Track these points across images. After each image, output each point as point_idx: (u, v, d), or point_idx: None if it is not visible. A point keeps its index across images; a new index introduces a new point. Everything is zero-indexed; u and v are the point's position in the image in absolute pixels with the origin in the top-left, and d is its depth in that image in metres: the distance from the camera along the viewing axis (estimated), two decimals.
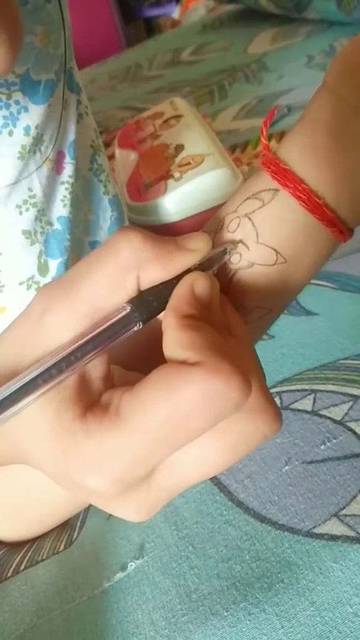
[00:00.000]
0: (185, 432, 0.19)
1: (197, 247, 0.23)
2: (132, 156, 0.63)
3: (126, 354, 0.25)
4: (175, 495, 0.21)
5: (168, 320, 0.21)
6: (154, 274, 0.22)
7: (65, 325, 0.21)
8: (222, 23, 1.24)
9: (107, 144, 0.81)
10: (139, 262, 0.22)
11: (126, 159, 0.64)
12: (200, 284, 0.23)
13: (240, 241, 0.26)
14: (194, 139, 0.59)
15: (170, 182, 0.54)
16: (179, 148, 0.58)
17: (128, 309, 0.22)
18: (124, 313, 0.22)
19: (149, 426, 0.19)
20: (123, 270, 0.22)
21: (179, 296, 0.22)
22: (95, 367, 0.22)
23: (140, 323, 0.22)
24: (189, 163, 0.55)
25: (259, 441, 0.21)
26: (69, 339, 0.21)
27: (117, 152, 0.68)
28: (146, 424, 0.19)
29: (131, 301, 0.22)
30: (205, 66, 1.04)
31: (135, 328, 0.22)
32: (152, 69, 1.15)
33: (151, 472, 0.20)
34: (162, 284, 0.23)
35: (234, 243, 0.26)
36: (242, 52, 1.03)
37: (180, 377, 0.19)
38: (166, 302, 0.22)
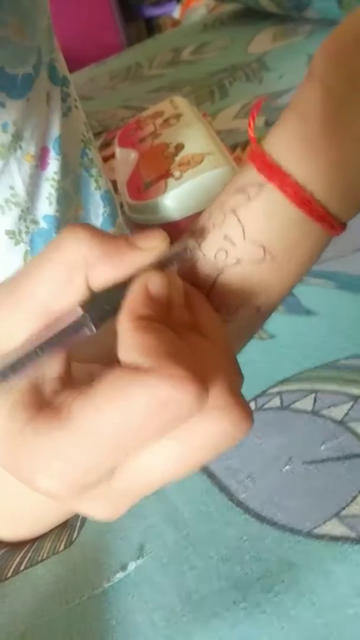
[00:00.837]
0: (139, 439, 0.18)
1: (150, 245, 0.22)
2: (133, 155, 0.63)
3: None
4: (143, 496, 0.21)
5: (122, 321, 0.20)
6: (103, 273, 0.22)
7: (13, 326, 0.21)
8: (223, 22, 1.24)
9: (108, 143, 0.81)
10: (87, 260, 0.21)
11: (126, 158, 0.64)
12: (154, 283, 0.22)
13: (200, 234, 0.25)
14: (194, 138, 0.59)
15: (171, 181, 0.54)
16: (179, 147, 0.58)
17: (80, 313, 0.21)
18: (75, 317, 0.21)
19: (100, 432, 0.18)
20: (70, 268, 0.21)
21: (133, 296, 0.22)
22: (50, 368, 0.21)
23: (93, 328, 0.21)
24: (189, 162, 0.55)
25: (227, 442, 0.20)
26: (20, 343, 0.21)
27: (118, 151, 0.67)
28: (97, 429, 0.18)
29: (83, 305, 0.22)
30: (206, 65, 1.04)
31: (88, 333, 0.21)
32: (152, 68, 1.15)
33: (110, 473, 0.20)
34: (116, 285, 0.22)
35: (196, 239, 0.25)
36: (243, 51, 1.03)
37: (132, 383, 0.18)
38: (121, 304, 0.21)
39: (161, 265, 0.23)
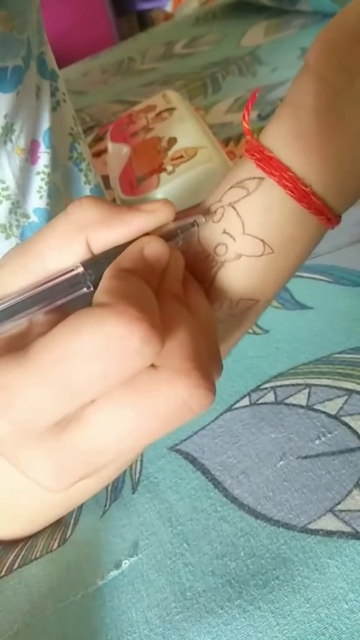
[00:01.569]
0: (86, 377, 0.18)
1: (152, 208, 0.23)
2: (125, 150, 0.62)
3: None
4: (93, 464, 0.20)
5: (106, 271, 0.21)
6: (103, 234, 0.22)
7: (13, 281, 0.22)
8: (215, 16, 1.23)
9: (100, 138, 0.81)
10: (88, 222, 0.22)
11: (118, 152, 0.63)
12: (152, 246, 0.22)
13: (210, 214, 0.25)
14: (187, 132, 0.59)
15: (163, 175, 0.53)
16: (172, 141, 0.58)
17: (79, 269, 0.22)
18: (73, 273, 0.22)
19: (47, 365, 0.18)
20: (72, 230, 0.22)
21: (125, 253, 0.22)
22: (39, 326, 0.21)
23: (91, 285, 0.21)
24: (181, 156, 0.54)
25: (182, 413, 0.19)
26: (13, 292, 0.21)
27: (110, 145, 0.67)
28: (43, 361, 0.18)
29: (83, 263, 0.22)
30: (199, 59, 1.04)
31: (85, 290, 0.22)
32: (144, 62, 1.14)
33: (61, 425, 0.19)
34: (116, 247, 0.22)
35: (205, 216, 0.25)
36: (236, 44, 1.02)
37: (85, 317, 0.18)
38: None
39: (166, 236, 0.24)
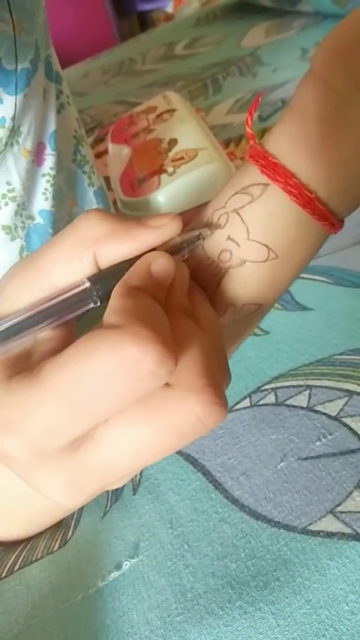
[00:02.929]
0: (101, 398, 0.18)
1: (160, 223, 0.23)
2: (125, 151, 0.62)
3: None
4: (108, 479, 0.20)
5: (114, 289, 0.21)
6: (111, 249, 0.22)
7: (20, 296, 0.22)
8: (216, 16, 1.23)
9: (101, 139, 0.81)
10: (96, 236, 0.22)
11: (119, 153, 0.63)
12: (159, 262, 0.22)
13: (215, 226, 0.25)
14: (188, 133, 0.59)
15: (164, 176, 0.53)
16: (173, 142, 0.58)
17: (86, 284, 0.22)
18: (80, 288, 0.22)
19: (62, 386, 0.18)
20: (80, 245, 0.22)
21: (133, 270, 0.22)
22: (48, 336, 0.21)
23: (98, 300, 0.21)
24: (182, 157, 0.54)
25: (194, 426, 0.19)
26: (20, 309, 0.21)
27: (110, 147, 0.67)
28: (59, 383, 0.18)
29: (90, 278, 0.22)
30: (199, 60, 1.04)
31: (92, 305, 0.22)
32: (145, 63, 1.14)
33: (76, 444, 0.19)
34: (123, 262, 0.22)
35: (210, 228, 0.25)
36: (236, 45, 1.03)
37: (98, 339, 0.18)
38: None
39: (172, 250, 0.24)
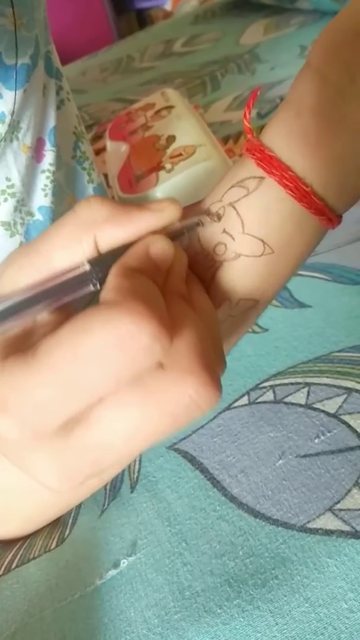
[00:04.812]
0: (96, 375, 0.18)
1: (159, 207, 0.23)
2: (123, 148, 0.62)
3: None
4: (100, 464, 0.20)
5: (112, 269, 0.21)
6: (110, 232, 0.22)
7: (19, 280, 0.22)
8: (215, 14, 1.23)
9: (99, 136, 0.81)
10: (95, 220, 0.22)
11: (117, 150, 0.63)
12: (157, 245, 0.22)
13: (218, 213, 0.25)
14: (186, 130, 0.58)
15: (162, 173, 0.53)
16: (171, 139, 0.58)
17: (85, 266, 0.22)
18: (80, 270, 0.22)
19: (57, 363, 0.18)
20: (80, 229, 0.22)
21: (131, 252, 0.22)
22: (45, 325, 0.21)
23: (97, 283, 0.21)
24: (180, 154, 0.54)
25: (188, 408, 0.19)
26: (18, 290, 0.21)
27: (108, 144, 0.67)
28: (54, 361, 0.18)
29: (90, 260, 0.22)
30: (198, 57, 1.03)
31: (92, 288, 0.22)
32: (143, 60, 1.14)
33: (69, 426, 0.19)
34: (123, 246, 0.22)
35: (210, 215, 0.25)
36: (234, 43, 1.02)
37: (94, 315, 0.18)
38: None
39: (172, 235, 0.23)
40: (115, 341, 0.18)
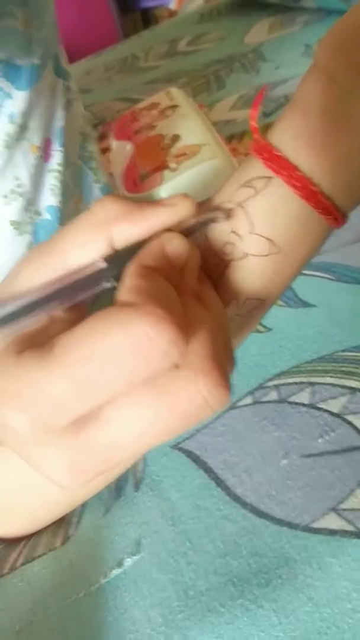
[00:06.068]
0: (111, 375, 0.18)
1: (173, 202, 0.23)
2: (128, 147, 0.62)
3: None
4: (110, 461, 0.20)
5: (128, 267, 0.21)
6: (125, 229, 0.22)
7: (34, 278, 0.22)
8: (220, 13, 1.23)
9: (104, 136, 0.81)
10: (109, 218, 0.22)
11: (122, 150, 0.63)
12: (173, 243, 0.22)
13: (231, 210, 0.25)
14: (190, 129, 0.58)
15: (167, 172, 0.53)
16: (175, 138, 0.58)
17: (102, 264, 0.22)
18: (95, 267, 0.22)
19: (74, 361, 0.18)
20: (96, 227, 0.22)
21: (147, 249, 0.22)
22: (61, 322, 0.21)
23: (113, 281, 0.21)
24: (185, 153, 0.54)
25: (199, 408, 0.19)
26: (34, 288, 0.21)
27: (113, 143, 0.67)
28: (71, 359, 0.18)
29: (106, 258, 0.22)
30: (202, 56, 1.03)
31: (108, 285, 0.22)
32: (148, 59, 1.14)
33: (80, 423, 0.19)
34: (138, 243, 0.22)
35: (225, 212, 0.25)
36: (239, 41, 1.02)
37: (113, 316, 0.18)
38: None
39: (185, 232, 0.24)
40: (133, 344, 0.18)
